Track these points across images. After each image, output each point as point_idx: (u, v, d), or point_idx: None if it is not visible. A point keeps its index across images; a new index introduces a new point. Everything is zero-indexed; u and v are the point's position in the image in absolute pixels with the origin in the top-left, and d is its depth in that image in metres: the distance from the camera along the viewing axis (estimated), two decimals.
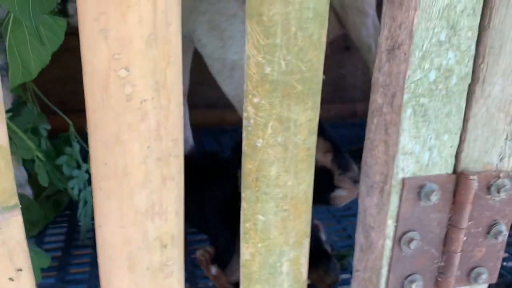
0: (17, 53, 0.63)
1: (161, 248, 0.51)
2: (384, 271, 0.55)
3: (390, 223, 0.53)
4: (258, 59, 0.47)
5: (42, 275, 0.91)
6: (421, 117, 0.49)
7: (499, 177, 0.53)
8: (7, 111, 0.98)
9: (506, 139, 0.52)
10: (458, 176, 0.52)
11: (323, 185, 0.91)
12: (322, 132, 0.88)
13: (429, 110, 0.49)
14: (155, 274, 0.52)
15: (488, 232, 0.56)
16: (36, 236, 1.09)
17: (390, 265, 0.55)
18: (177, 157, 0.49)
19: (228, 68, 0.93)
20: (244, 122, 0.50)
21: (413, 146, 0.50)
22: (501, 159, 0.53)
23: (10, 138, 0.45)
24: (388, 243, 0.54)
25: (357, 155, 1.61)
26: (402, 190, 0.51)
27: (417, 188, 0.51)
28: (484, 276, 0.57)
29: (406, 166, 0.51)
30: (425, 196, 0.51)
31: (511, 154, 0.53)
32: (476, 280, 0.57)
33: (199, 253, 0.95)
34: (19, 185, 1.08)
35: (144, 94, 0.44)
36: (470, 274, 0.57)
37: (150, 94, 0.45)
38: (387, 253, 0.54)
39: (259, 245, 0.55)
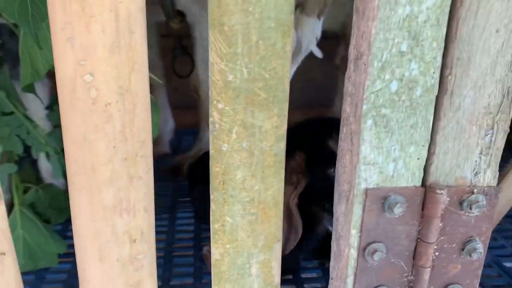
0: (27, 55, 0.69)
1: (130, 242, 0.54)
2: (350, 281, 0.55)
3: (354, 233, 0.53)
4: (221, 66, 0.48)
5: (61, 260, 0.98)
6: (383, 127, 0.48)
7: (472, 193, 0.51)
8: (46, 108, 1.07)
9: (481, 153, 0.50)
10: (426, 190, 0.51)
11: None
12: None
13: (391, 121, 0.48)
14: (125, 266, 0.55)
15: (462, 249, 0.54)
16: (63, 222, 1.17)
17: (355, 275, 0.54)
18: (144, 157, 0.51)
19: None
20: (210, 127, 0.51)
21: (376, 156, 0.49)
22: (475, 174, 0.51)
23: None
24: (353, 252, 0.54)
25: None
26: (365, 200, 0.51)
27: (381, 199, 0.51)
28: None
29: (369, 177, 0.50)
30: (389, 208, 0.50)
31: (487, 169, 0.51)
32: None
33: (205, 249, 0.98)
34: (52, 176, 1.16)
35: (108, 98, 0.47)
36: None
37: (114, 98, 0.48)
38: (352, 262, 0.54)
39: (228, 246, 0.56)
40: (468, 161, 0.51)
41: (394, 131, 0.49)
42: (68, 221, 1.20)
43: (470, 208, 0.51)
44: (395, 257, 0.54)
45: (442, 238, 0.53)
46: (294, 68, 1.08)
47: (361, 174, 0.50)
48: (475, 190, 0.51)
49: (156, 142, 1.57)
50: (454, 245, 0.54)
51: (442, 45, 0.46)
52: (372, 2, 0.44)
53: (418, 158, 0.50)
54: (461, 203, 0.51)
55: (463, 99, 0.48)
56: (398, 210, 0.50)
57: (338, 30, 1.53)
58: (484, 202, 0.51)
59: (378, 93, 0.47)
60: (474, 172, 0.51)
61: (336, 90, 1.71)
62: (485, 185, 0.52)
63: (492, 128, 0.49)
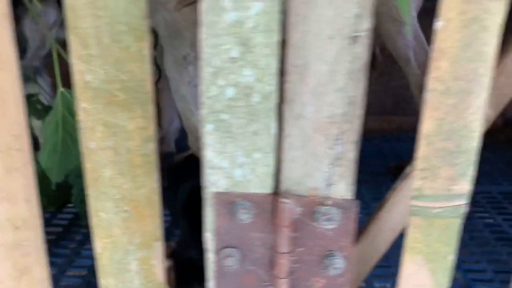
0: None
1: (13, 229, 0.58)
2: (212, 284, 0.55)
3: (210, 236, 0.53)
4: (79, 67, 0.51)
5: None
6: (224, 133, 0.48)
7: (325, 204, 0.49)
8: None
9: (331, 164, 0.48)
10: (274, 197, 0.50)
11: None
12: None
13: (232, 127, 0.48)
14: (10, 251, 0.59)
15: (323, 263, 0.52)
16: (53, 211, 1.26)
17: (215, 279, 0.54)
18: (20, 151, 0.55)
19: None
20: (80, 125, 0.54)
21: (220, 161, 0.49)
22: (328, 185, 0.49)
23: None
24: (211, 256, 0.54)
25: (393, 172, 1.52)
26: (214, 204, 0.51)
27: (229, 204, 0.51)
28: None
29: (217, 181, 0.50)
30: (235, 213, 0.50)
31: (340, 181, 0.49)
32: None
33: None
34: None
35: None
36: None
37: None
38: (211, 265, 0.54)
39: (105, 241, 0.59)
40: (318, 171, 0.49)
41: (236, 137, 0.48)
42: (58, 209, 1.29)
43: (324, 220, 0.49)
44: (252, 265, 0.53)
45: (300, 249, 0.52)
46: None
47: (209, 178, 0.50)
48: (328, 202, 0.49)
49: (161, 141, 1.63)
50: (314, 258, 0.52)
51: (277, 51, 0.45)
52: (201, 7, 0.44)
53: (265, 165, 0.49)
54: (314, 215, 0.50)
55: (304, 107, 0.47)
56: (244, 216, 0.50)
57: None
58: (338, 215, 0.49)
59: (214, 98, 0.47)
60: (326, 182, 0.49)
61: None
62: (339, 197, 0.50)
63: (340, 139, 0.47)
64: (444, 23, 0.41)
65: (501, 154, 1.72)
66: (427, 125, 0.44)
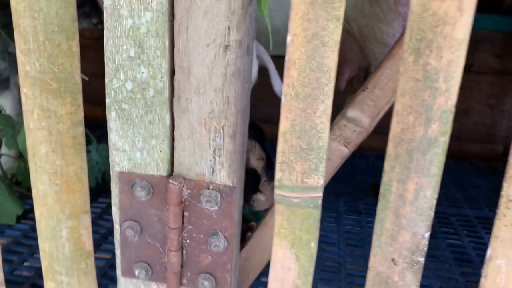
0: None
1: None
2: (118, 253, 0.64)
3: (115, 209, 0.62)
4: (21, 59, 0.61)
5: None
6: (126, 120, 0.57)
7: (209, 188, 0.57)
8: None
9: (214, 154, 0.56)
10: (167, 179, 0.58)
11: (249, 186, 0.98)
12: (262, 143, 0.97)
13: (132, 115, 0.57)
14: None
15: (208, 241, 0.59)
16: None
17: (120, 248, 0.63)
18: None
19: None
20: (23, 107, 0.65)
21: (123, 144, 0.58)
22: (212, 172, 0.57)
23: None
24: (117, 227, 0.62)
25: (374, 188, 1.56)
26: (118, 182, 0.60)
27: (130, 183, 0.59)
28: (207, 284, 0.61)
29: (120, 161, 0.59)
30: (135, 191, 0.59)
31: (222, 169, 0.57)
32: (203, 285, 0.61)
33: None
34: None
35: None
36: (197, 278, 0.61)
37: None
38: (117, 236, 0.63)
39: (42, 208, 0.69)
40: (203, 160, 0.57)
41: (135, 124, 0.57)
42: None
43: (207, 202, 0.57)
44: (151, 238, 0.61)
45: (190, 227, 0.60)
46: None
47: (114, 158, 0.59)
48: (211, 186, 0.57)
49: None
50: (201, 236, 0.60)
51: (167, 53, 0.54)
52: (104, 14, 0.54)
53: (160, 151, 0.58)
54: (200, 197, 0.58)
55: (190, 103, 0.55)
56: (141, 194, 0.58)
57: None
58: (219, 199, 0.57)
59: (117, 90, 0.56)
60: (211, 170, 0.57)
61: None
62: (221, 183, 0.57)
63: (220, 132, 0.55)
64: (292, 38, 0.48)
65: (496, 181, 1.71)
66: (283, 124, 0.51)
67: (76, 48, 0.60)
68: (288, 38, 0.48)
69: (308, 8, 0.46)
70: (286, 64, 0.49)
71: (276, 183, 0.54)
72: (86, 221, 0.69)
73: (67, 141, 0.64)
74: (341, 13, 0.46)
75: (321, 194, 0.53)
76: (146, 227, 0.61)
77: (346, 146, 0.60)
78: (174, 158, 0.58)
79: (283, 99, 0.50)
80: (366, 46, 1.41)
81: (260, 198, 0.95)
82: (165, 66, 0.54)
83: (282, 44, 1.52)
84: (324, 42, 0.47)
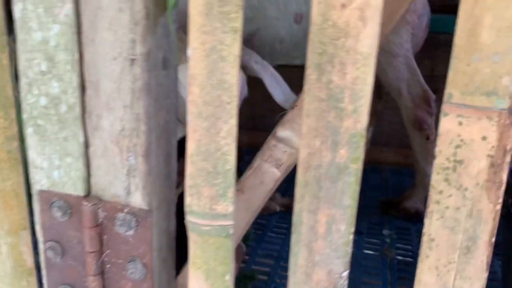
0: None
1: None
2: (43, 274, 0.61)
3: (39, 228, 0.59)
4: None
5: None
6: (42, 136, 0.55)
7: (123, 211, 0.54)
8: None
9: (128, 175, 0.53)
10: (84, 200, 0.55)
11: None
12: None
13: (47, 131, 0.54)
14: None
15: (127, 267, 0.56)
16: None
17: (45, 269, 0.60)
18: None
19: None
20: None
21: (41, 162, 0.56)
22: (128, 193, 0.54)
23: None
24: (42, 247, 0.60)
25: (383, 206, 1.48)
26: (38, 201, 0.57)
27: (49, 202, 0.57)
28: None
29: (40, 179, 0.57)
30: (52, 211, 0.56)
31: (137, 191, 0.53)
32: None
33: None
34: None
35: None
36: None
37: None
38: (42, 256, 0.60)
39: None
40: (118, 180, 0.53)
41: (51, 141, 0.55)
42: None
43: (121, 226, 0.54)
44: (73, 260, 0.58)
45: (108, 251, 0.56)
46: None
47: (33, 176, 0.57)
48: (126, 210, 0.54)
49: None
50: (120, 261, 0.56)
51: (77, 67, 0.51)
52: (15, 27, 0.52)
53: (77, 170, 0.55)
54: (115, 220, 0.54)
55: (101, 120, 0.52)
56: (58, 214, 0.56)
57: None
58: (134, 223, 0.53)
59: (32, 105, 0.54)
60: (126, 191, 0.53)
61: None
62: (136, 206, 0.54)
63: (132, 151, 0.52)
64: (192, 52, 0.44)
65: None
66: (190, 145, 0.47)
67: (6, 61, 0.59)
68: (188, 52, 0.44)
69: (204, 19, 0.42)
70: (188, 80, 0.45)
71: (186, 208, 0.49)
72: (26, 237, 0.67)
73: (2, 156, 0.63)
74: (238, 25, 0.42)
75: (231, 222, 0.48)
76: (67, 249, 0.58)
77: (277, 168, 0.55)
78: (91, 178, 0.55)
79: (188, 118, 0.46)
80: None
81: None
82: (76, 80, 0.51)
83: (286, 53, 1.47)
84: (222, 56, 0.43)
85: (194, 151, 0.47)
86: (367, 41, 0.38)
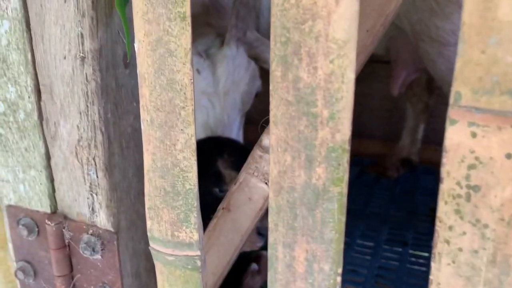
0: None
1: None
2: None
3: (11, 247, 0.54)
4: None
5: None
6: (4, 146, 0.49)
7: (88, 232, 0.47)
8: None
9: (91, 191, 0.46)
10: (49, 218, 0.49)
11: None
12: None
13: (8, 141, 0.49)
14: None
15: None
16: None
17: None
18: None
19: None
20: None
21: (6, 174, 0.50)
22: (92, 212, 0.47)
23: None
24: (15, 265, 0.55)
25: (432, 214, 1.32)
26: (7, 217, 0.52)
27: (16, 219, 0.51)
28: None
29: (7, 193, 0.51)
30: (19, 228, 0.50)
31: (101, 210, 0.46)
32: None
33: None
34: None
35: None
36: None
37: None
38: (16, 277, 0.55)
39: None
40: (81, 197, 0.47)
41: (13, 151, 0.49)
42: None
43: (85, 249, 0.47)
44: (46, 283, 0.53)
45: (79, 275, 0.50)
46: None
47: (1, 190, 0.52)
48: (91, 231, 0.47)
49: None
50: (92, 287, 0.49)
51: (30, 69, 0.45)
52: None
53: (41, 184, 0.49)
54: (80, 242, 0.47)
55: (58, 128, 0.45)
56: (24, 232, 0.50)
57: (383, 54, 1.38)
58: (99, 246, 0.46)
59: None
60: (91, 209, 0.47)
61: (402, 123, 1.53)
62: (102, 226, 0.46)
63: (92, 164, 0.44)
64: (138, 46, 0.36)
65: None
66: (146, 159, 0.39)
67: None
68: (135, 46, 0.36)
69: (146, 4, 0.34)
70: (138, 81, 0.37)
71: (148, 233, 0.41)
72: None
73: None
74: (185, 9, 0.33)
75: (198, 253, 0.39)
76: (39, 270, 0.52)
77: (266, 183, 0.46)
78: (55, 193, 0.49)
79: (142, 126, 0.38)
80: (419, 46, 1.19)
81: None
82: (31, 84, 0.45)
83: None
84: (170, 50, 0.34)
85: (150, 167, 0.39)
86: (342, 24, 0.28)
